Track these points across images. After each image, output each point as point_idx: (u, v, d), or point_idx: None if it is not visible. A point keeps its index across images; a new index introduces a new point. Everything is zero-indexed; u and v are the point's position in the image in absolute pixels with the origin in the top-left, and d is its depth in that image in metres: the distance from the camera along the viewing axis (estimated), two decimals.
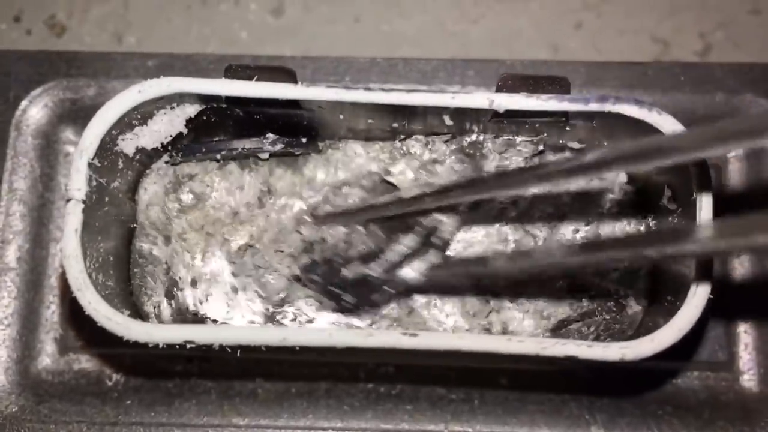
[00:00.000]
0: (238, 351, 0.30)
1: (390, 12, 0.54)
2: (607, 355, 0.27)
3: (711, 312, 0.40)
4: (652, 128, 0.29)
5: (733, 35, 0.54)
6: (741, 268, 0.41)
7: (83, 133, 0.29)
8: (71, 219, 0.28)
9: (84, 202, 0.29)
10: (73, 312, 0.40)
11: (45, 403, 0.39)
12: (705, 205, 0.28)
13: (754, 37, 0.54)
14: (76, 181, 0.29)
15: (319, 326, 0.33)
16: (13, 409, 0.38)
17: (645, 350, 0.27)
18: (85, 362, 0.40)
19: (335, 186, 0.33)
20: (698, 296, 0.28)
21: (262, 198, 0.34)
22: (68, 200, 0.29)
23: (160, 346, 0.29)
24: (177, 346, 0.30)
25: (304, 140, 0.34)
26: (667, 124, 0.29)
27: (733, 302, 0.40)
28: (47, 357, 0.40)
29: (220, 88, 0.29)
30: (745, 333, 0.40)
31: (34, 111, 0.41)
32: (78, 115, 0.41)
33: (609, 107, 0.29)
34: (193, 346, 0.30)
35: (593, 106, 0.29)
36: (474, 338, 0.28)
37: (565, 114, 0.30)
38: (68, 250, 0.28)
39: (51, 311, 0.40)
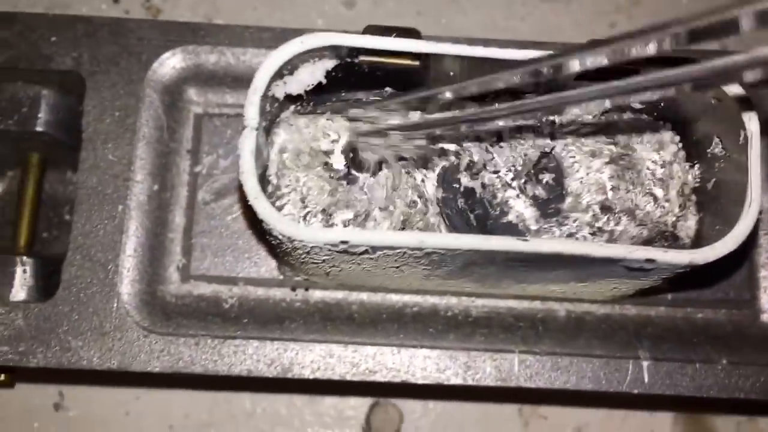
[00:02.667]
0: (368, 255, 0.36)
1: (448, 8, 0.61)
2: (679, 259, 0.34)
3: (739, 258, 0.47)
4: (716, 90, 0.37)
5: (745, 39, 0.62)
6: (764, 223, 0.48)
7: (255, 75, 0.36)
8: (247, 142, 0.35)
9: (256, 129, 0.35)
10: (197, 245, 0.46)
11: (172, 319, 0.45)
12: (755, 140, 0.35)
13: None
14: (250, 112, 0.35)
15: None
16: (146, 323, 0.44)
17: (709, 255, 0.35)
18: (203, 288, 0.46)
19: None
20: (751, 213, 0.35)
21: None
22: (244, 128, 0.35)
23: (318, 246, 0.35)
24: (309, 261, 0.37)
25: None
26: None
27: (759, 252, 0.48)
28: (171, 284, 0.46)
29: (372, 42, 0.36)
30: (764, 278, 0.48)
31: (163, 71, 0.47)
32: (199, 78, 0.48)
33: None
34: (338, 248, 0.35)
35: None
36: (574, 244, 0.34)
37: None
38: (245, 167, 0.35)
39: (174, 244, 0.46)
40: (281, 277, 0.46)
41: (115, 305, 0.44)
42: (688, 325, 0.47)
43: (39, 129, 0.48)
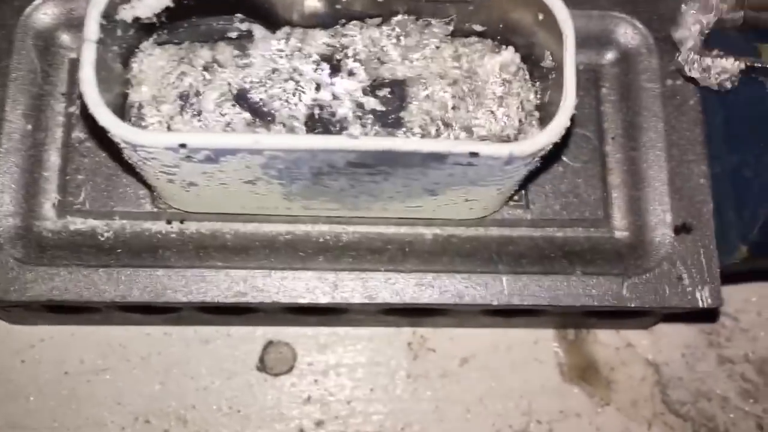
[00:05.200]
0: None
1: None
2: (501, 151, 0.37)
3: (592, 182, 0.50)
4: (539, 5, 0.40)
5: None
6: (614, 144, 0.51)
7: None
8: (87, 54, 0.37)
9: (97, 42, 0.37)
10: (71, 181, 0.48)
11: (47, 252, 0.46)
12: (569, 42, 0.38)
13: None
14: (90, 26, 0.37)
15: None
16: (19, 255, 0.45)
17: (527, 148, 0.37)
18: (80, 224, 0.47)
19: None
20: (567, 106, 0.38)
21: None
22: (84, 42, 0.37)
23: (154, 157, 0.37)
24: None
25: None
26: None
27: (610, 174, 0.51)
28: (47, 220, 0.47)
29: None
30: (617, 198, 0.51)
31: (36, 17, 0.49)
32: (72, 24, 0.49)
33: None
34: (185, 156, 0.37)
35: None
36: (401, 140, 0.37)
37: None
38: (84, 77, 0.36)
39: (50, 182, 0.48)
40: (155, 210, 0.48)
41: None
42: (547, 243, 0.49)
43: None
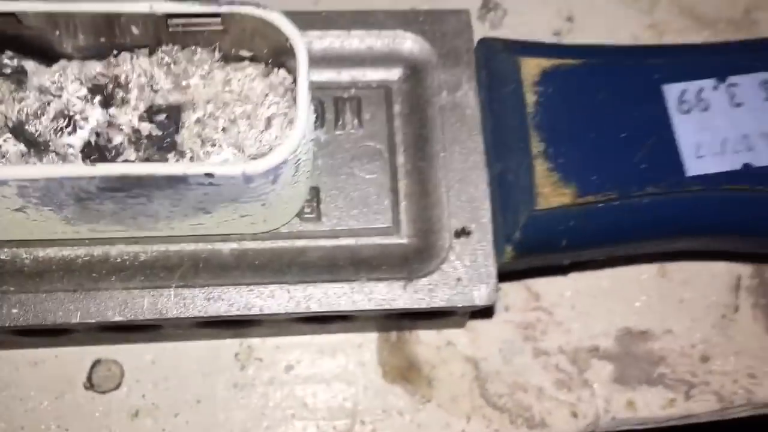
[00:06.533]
0: None
1: None
2: (233, 170, 0.40)
3: (383, 192, 0.53)
4: (276, 28, 0.43)
5: None
6: (405, 155, 0.54)
7: None
8: None
9: None
10: None
11: None
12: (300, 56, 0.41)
13: None
14: None
15: None
16: None
17: (260, 166, 0.40)
18: None
19: None
20: (297, 128, 0.41)
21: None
22: None
23: None
24: None
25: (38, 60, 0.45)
26: (283, 23, 0.42)
27: (400, 185, 0.54)
28: None
29: None
30: (406, 207, 0.54)
31: None
32: None
33: (236, 8, 0.42)
34: None
35: (224, 8, 0.42)
36: (137, 165, 0.39)
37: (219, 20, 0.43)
38: None
39: None
40: None
41: None
42: (338, 252, 0.52)
43: None
